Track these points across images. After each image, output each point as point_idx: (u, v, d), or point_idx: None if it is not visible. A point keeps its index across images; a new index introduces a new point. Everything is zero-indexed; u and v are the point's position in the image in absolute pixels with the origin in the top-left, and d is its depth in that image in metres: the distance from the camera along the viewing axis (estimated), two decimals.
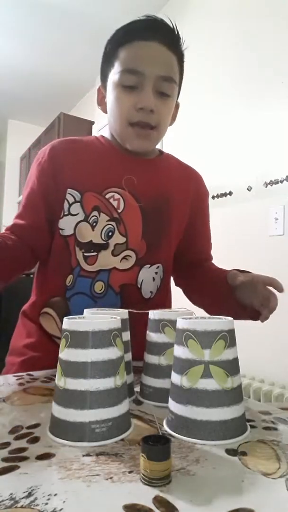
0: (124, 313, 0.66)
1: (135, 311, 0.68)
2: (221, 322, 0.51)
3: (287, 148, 1.95)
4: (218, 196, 2.33)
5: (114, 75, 0.90)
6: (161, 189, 0.99)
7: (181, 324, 0.52)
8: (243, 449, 0.47)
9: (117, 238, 0.93)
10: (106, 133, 1.03)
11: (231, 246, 2.22)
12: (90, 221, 0.92)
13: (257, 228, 2.06)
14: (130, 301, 0.94)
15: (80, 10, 3.11)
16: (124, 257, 0.94)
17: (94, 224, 0.92)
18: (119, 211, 0.93)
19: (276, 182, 1.97)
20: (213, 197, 2.36)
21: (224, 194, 2.29)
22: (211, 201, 2.34)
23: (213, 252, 2.29)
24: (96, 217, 0.92)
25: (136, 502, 0.35)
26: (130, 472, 0.41)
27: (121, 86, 0.89)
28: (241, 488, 0.38)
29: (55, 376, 0.79)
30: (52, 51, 3.70)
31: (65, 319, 0.52)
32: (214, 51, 2.47)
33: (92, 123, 4.15)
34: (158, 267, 0.99)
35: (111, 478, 0.39)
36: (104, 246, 0.93)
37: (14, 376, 0.80)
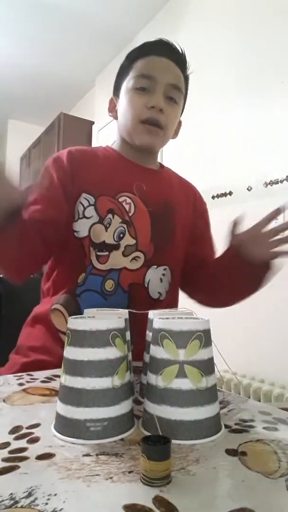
0: (124, 313, 0.66)
1: (134, 311, 0.68)
2: (197, 322, 0.51)
3: (287, 148, 1.95)
4: (218, 196, 2.33)
5: (128, 82, 1.02)
6: (166, 197, 1.07)
7: (157, 324, 0.52)
8: (243, 449, 0.47)
9: (128, 240, 0.99)
10: (114, 145, 1.13)
11: None
12: (105, 223, 0.98)
13: None
14: (137, 299, 0.98)
15: (81, 10, 3.11)
16: (133, 258, 0.99)
17: (108, 225, 0.98)
18: (130, 214, 1.00)
19: (276, 182, 1.97)
20: (213, 197, 2.36)
21: (224, 194, 2.29)
22: (211, 201, 2.36)
23: None
24: (110, 219, 0.98)
25: (136, 502, 0.35)
26: (130, 472, 0.41)
27: (135, 89, 1.00)
28: (241, 488, 0.38)
29: (55, 376, 0.79)
30: (52, 51, 3.70)
31: (69, 318, 0.53)
32: (214, 51, 2.47)
33: (92, 123, 4.15)
34: (165, 269, 1.04)
35: (111, 478, 0.39)
36: (116, 247, 0.98)
37: (14, 376, 0.80)
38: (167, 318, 0.53)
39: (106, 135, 3.82)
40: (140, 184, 1.03)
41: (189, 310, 0.66)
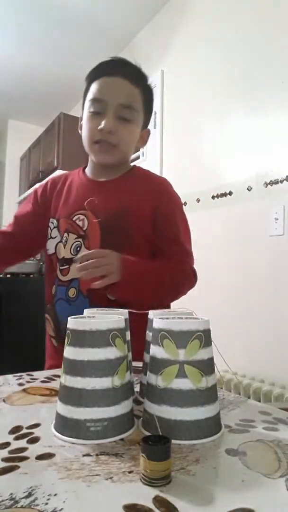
0: (124, 313, 0.66)
1: (134, 311, 0.68)
2: (197, 322, 0.51)
3: (287, 148, 1.95)
4: (218, 196, 2.33)
5: (86, 104, 1.11)
6: (120, 203, 1.11)
7: (157, 324, 0.52)
8: (243, 449, 0.47)
9: (84, 251, 1.03)
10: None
11: (231, 246, 2.22)
12: (63, 241, 1.12)
13: (257, 228, 2.06)
14: (97, 302, 1.02)
15: (81, 10, 3.10)
16: None
17: (65, 243, 1.12)
18: (84, 228, 1.09)
19: (276, 182, 1.97)
20: (213, 197, 2.36)
21: (224, 194, 2.29)
22: (211, 201, 2.35)
23: (214, 252, 2.29)
24: (66, 237, 1.12)
25: (136, 502, 0.35)
26: (130, 472, 0.41)
27: (89, 113, 1.08)
28: (241, 488, 0.38)
29: (55, 376, 0.79)
30: (52, 51, 3.70)
31: (69, 318, 0.53)
32: (214, 51, 2.47)
33: None
34: None
35: (111, 478, 0.39)
36: (72, 260, 1.08)
37: (14, 376, 0.80)
38: (167, 318, 0.53)
39: None
40: (92, 199, 1.11)
41: (189, 310, 0.66)
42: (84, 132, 1.12)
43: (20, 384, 0.74)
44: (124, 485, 0.38)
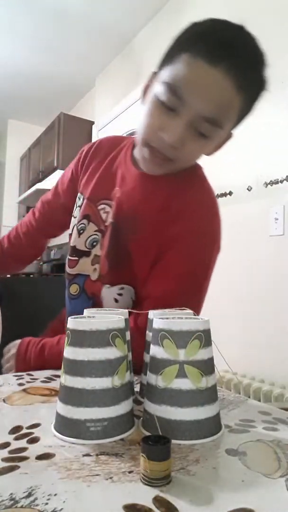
0: (124, 313, 0.66)
1: (135, 311, 0.68)
2: (197, 322, 0.51)
3: (287, 148, 1.95)
4: (218, 196, 2.33)
5: (161, 79, 0.76)
6: (136, 208, 0.89)
7: (157, 324, 0.52)
8: (243, 449, 0.47)
9: (97, 250, 0.94)
10: None
11: (231, 246, 2.22)
12: (79, 227, 0.96)
13: (257, 228, 2.06)
14: (100, 306, 0.92)
15: (80, 10, 3.10)
16: (95, 268, 0.94)
17: (82, 231, 0.95)
18: (106, 224, 0.92)
19: (276, 182, 1.97)
20: None
21: (224, 194, 2.29)
22: None
23: None
24: (84, 225, 0.95)
25: (136, 502, 0.35)
26: (130, 472, 0.41)
27: (158, 100, 0.75)
28: (241, 488, 0.38)
29: (55, 376, 0.79)
30: (52, 51, 3.70)
31: (69, 318, 0.53)
32: None
33: (92, 123, 4.15)
34: (122, 288, 0.90)
35: (111, 478, 0.39)
36: (87, 254, 0.95)
37: (14, 376, 0.80)
38: (167, 318, 0.53)
39: (106, 135, 3.81)
40: (117, 189, 0.93)
41: (189, 310, 0.66)
42: (142, 122, 0.80)
43: (20, 384, 0.74)
44: (124, 485, 0.38)
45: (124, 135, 3.50)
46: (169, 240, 0.86)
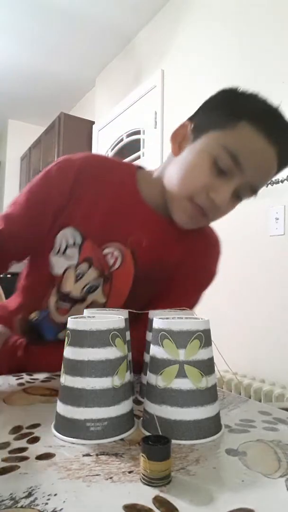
0: (124, 313, 0.66)
1: (134, 311, 0.68)
2: (197, 322, 0.51)
3: None
4: None
5: (216, 141, 0.76)
6: (165, 256, 0.89)
7: (157, 324, 0.52)
8: (243, 449, 0.47)
9: (98, 296, 0.86)
10: (142, 175, 0.91)
11: (231, 246, 2.22)
12: (77, 271, 0.85)
13: (258, 228, 2.06)
14: None
15: (81, 10, 3.11)
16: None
17: (79, 276, 0.85)
18: (113, 269, 0.85)
19: (277, 182, 1.97)
20: None
21: None
22: None
23: None
24: (84, 270, 0.85)
25: (136, 502, 0.35)
26: (130, 472, 0.41)
27: (213, 159, 0.75)
28: (241, 488, 0.38)
29: (55, 376, 0.79)
30: (52, 51, 3.71)
31: (69, 318, 0.53)
32: (214, 50, 2.47)
33: (92, 123, 4.15)
34: None
35: (111, 478, 0.39)
36: (81, 301, 0.86)
37: (14, 376, 0.80)
38: (167, 318, 0.53)
39: (106, 135, 3.82)
40: (139, 237, 0.85)
41: (189, 310, 0.66)
42: (188, 177, 0.79)
43: (20, 384, 0.74)
44: (124, 485, 0.38)
45: (124, 135, 3.51)
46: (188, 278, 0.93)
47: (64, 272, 0.85)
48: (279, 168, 0.79)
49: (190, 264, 0.92)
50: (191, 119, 0.83)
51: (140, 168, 0.94)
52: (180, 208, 0.81)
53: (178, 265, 0.91)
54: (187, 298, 0.90)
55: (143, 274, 0.87)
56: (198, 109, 0.84)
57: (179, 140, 0.83)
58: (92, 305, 0.86)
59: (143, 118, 3.23)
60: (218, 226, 2.29)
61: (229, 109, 0.78)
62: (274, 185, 1.98)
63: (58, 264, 0.85)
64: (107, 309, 0.71)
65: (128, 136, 3.49)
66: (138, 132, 3.34)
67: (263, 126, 0.73)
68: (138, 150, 3.29)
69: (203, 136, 0.78)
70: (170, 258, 0.90)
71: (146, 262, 0.87)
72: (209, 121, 0.79)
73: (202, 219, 0.82)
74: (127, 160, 3.47)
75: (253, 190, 0.79)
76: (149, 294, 0.90)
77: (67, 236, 0.84)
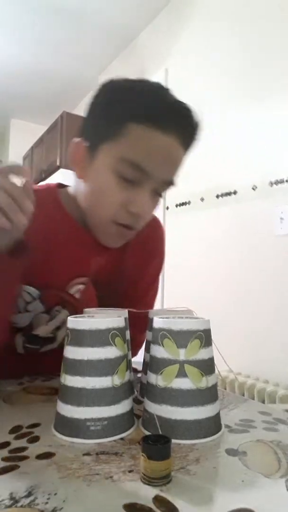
0: (124, 312, 0.66)
1: (134, 310, 0.68)
2: (197, 322, 0.51)
3: None
4: (222, 195, 2.33)
5: (113, 154, 0.71)
6: (121, 271, 0.90)
7: (157, 323, 0.52)
8: (243, 449, 0.46)
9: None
10: (65, 197, 0.84)
11: (236, 246, 2.22)
12: (51, 314, 0.82)
13: (263, 228, 2.05)
14: None
15: (83, 9, 3.10)
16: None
17: (51, 319, 0.82)
18: (79, 302, 0.83)
19: (282, 181, 1.97)
20: (217, 196, 2.36)
21: (229, 194, 2.28)
22: (215, 200, 2.35)
23: (218, 251, 2.28)
24: (57, 312, 0.82)
25: (136, 501, 0.35)
26: (130, 471, 0.41)
27: (117, 175, 0.70)
28: (241, 488, 0.38)
29: (55, 375, 0.79)
30: (55, 50, 3.71)
31: (69, 318, 0.53)
32: (217, 48, 2.46)
33: None
34: None
35: (111, 477, 0.39)
36: (51, 340, 0.84)
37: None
38: (167, 318, 0.53)
39: None
40: (96, 260, 0.84)
41: (190, 310, 0.66)
42: (102, 202, 0.74)
43: (20, 384, 0.74)
44: (124, 484, 0.38)
45: None
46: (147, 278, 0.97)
47: (31, 320, 0.81)
48: (186, 151, 0.75)
49: (139, 258, 0.92)
50: (81, 133, 0.76)
51: (60, 186, 0.87)
52: (107, 234, 0.78)
53: (130, 266, 0.91)
54: (152, 289, 0.99)
55: (108, 294, 0.88)
56: (84, 120, 0.77)
57: (78, 163, 0.76)
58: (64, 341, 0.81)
59: None
60: (222, 226, 2.29)
61: (112, 115, 0.71)
62: (279, 184, 1.98)
63: (22, 319, 0.80)
64: (107, 308, 0.71)
65: None
66: None
67: (152, 120, 0.68)
68: None
69: (99, 153, 0.72)
70: (120, 265, 0.89)
71: (105, 281, 0.87)
72: (98, 134, 0.73)
73: (130, 233, 0.79)
74: None
75: (169, 183, 0.76)
76: (115, 300, 0.87)
77: (23, 295, 0.77)
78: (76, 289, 0.82)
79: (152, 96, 0.70)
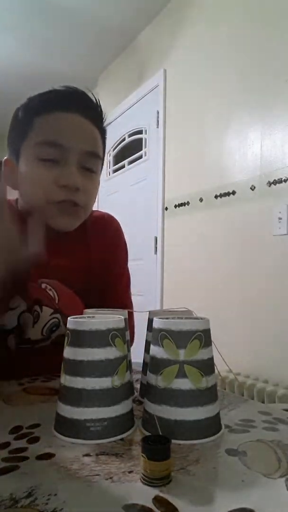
0: (124, 313, 0.66)
1: (134, 310, 0.68)
2: (197, 322, 0.51)
3: None
4: (221, 195, 2.33)
5: (29, 148, 0.78)
6: (90, 268, 0.93)
7: (157, 324, 0.52)
8: (243, 449, 0.46)
9: (62, 331, 0.83)
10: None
11: (234, 246, 2.22)
12: (34, 315, 0.81)
13: (261, 228, 2.05)
14: None
15: (83, 10, 3.11)
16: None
17: (36, 319, 0.81)
18: (57, 301, 0.83)
19: (280, 181, 1.97)
20: (216, 197, 2.36)
21: (227, 194, 2.28)
22: (214, 201, 2.35)
23: (216, 251, 2.29)
24: (38, 312, 0.81)
25: (136, 502, 0.35)
26: (130, 472, 0.41)
27: (39, 160, 0.77)
28: (241, 488, 0.38)
29: (55, 375, 0.79)
30: (54, 50, 3.71)
31: (69, 318, 0.53)
32: (217, 49, 2.47)
33: None
34: None
35: (111, 478, 0.39)
36: (45, 340, 0.83)
37: None
38: (167, 318, 0.53)
39: (108, 134, 3.81)
40: (57, 262, 0.84)
41: (189, 310, 0.66)
42: (34, 188, 0.79)
43: (20, 384, 0.74)
44: (124, 485, 0.38)
45: (126, 135, 3.50)
46: (112, 272, 0.99)
47: (19, 320, 0.81)
48: (97, 126, 0.83)
49: (103, 253, 0.96)
50: (8, 152, 0.85)
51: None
52: (50, 216, 0.79)
53: (97, 263, 0.95)
54: (124, 276, 1.03)
55: (84, 289, 0.88)
56: (7, 144, 0.86)
57: (10, 176, 0.83)
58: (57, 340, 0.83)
59: (145, 117, 3.23)
60: (221, 226, 2.30)
61: (20, 120, 0.82)
62: (277, 184, 1.98)
63: (9, 320, 0.80)
64: (106, 309, 0.71)
65: (130, 135, 3.49)
66: (140, 132, 3.34)
67: (50, 105, 0.78)
68: (140, 149, 3.30)
69: (21, 154, 0.81)
70: (90, 263, 0.93)
71: (78, 277, 0.89)
72: (16, 143, 0.82)
73: (76, 210, 0.82)
74: (129, 159, 3.47)
75: (93, 155, 0.81)
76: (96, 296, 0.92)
77: None
78: (44, 285, 0.83)
79: (46, 93, 0.83)
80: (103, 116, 0.85)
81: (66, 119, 0.78)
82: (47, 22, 3.29)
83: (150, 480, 0.38)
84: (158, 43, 3.09)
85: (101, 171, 0.89)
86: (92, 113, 0.82)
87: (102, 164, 0.89)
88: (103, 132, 0.86)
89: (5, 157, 0.85)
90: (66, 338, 0.53)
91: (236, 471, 0.41)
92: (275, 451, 0.46)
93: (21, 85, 4.37)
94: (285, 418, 0.57)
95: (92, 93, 0.86)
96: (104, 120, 0.86)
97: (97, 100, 0.84)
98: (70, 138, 0.77)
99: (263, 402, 1.76)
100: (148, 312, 0.68)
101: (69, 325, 0.52)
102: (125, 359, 0.53)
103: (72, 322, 0.52)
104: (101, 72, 4.05)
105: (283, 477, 0.40)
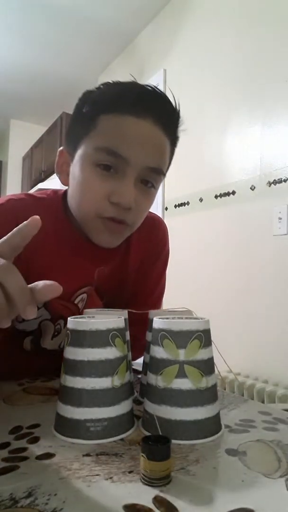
0: (124, 313, 0.67)
1: (134, 311, 0.68)
2: (197, 322, 0.51)
3: None
4: (221, 195, 2.33)
5: (88, 148, 0.70)
6: (126, 275, 0.89)
7: (157, 324, 0.52)
8: (243, 449, 0.46)
9: None
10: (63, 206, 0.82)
11: (234, 246, 2.22)
12: (56, 327, 0.81)
13: (261, 228, 2.05)
14: None
15: (83, 10, 3.10)
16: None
17: (56, 333, 0.81)
18: (80, 310, 0.82)
19: (280, 181, 1.97)
20: (216, 197, 2.36)
21: (227, 194, 2.28)
22: (214, 201, 2.35)
23: (216, 251, 2.29)
24: (60, 326, 0.81)
25: (136, 502, 0.35)
26: (130, 472, 0.41)
27: (95, 165, 0.69)
28: (241, 488, 0.38)
29: (55, 375, 0.79)
30: (54, 50, 3.71)
31: (69, 318, 0.53)
32: (216, 49, 2.46)
33: None
34: None
35: (111, 478, 0.39)
36: (59, 351, 0.82)
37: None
38: (167, 318, 0.53)
39: None
40: (102, 269, 0.82)
41: (189, 310, 0.66)
42: (84, 196, 0.72)
43: (20, 384, 0.74)
44: (124, 485, 0.38)
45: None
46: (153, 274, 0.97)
47: (40, 324, 0.80)
48: (169, 137, 0.73)
49: (143, 258, 0.93)
50: (64, 142, 0.79)
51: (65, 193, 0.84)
52: (95, 230, 0.74)
53: (134, 268, 0.91)
54: (159, 286, 0.99)
55: (113, 301, 0.88)
56: (66, 130, 0.80)
57: (63, 169, 0.78)
58: None
59: None
60: (221, 226, 2.30)
61: (84, 114, 0.72)
62: (277, 184, 1.98)
63: (29, 325, 0.79)
64: (106, 309, 0.71)
65: None
66: None
67: (120, 106, 0.68)
68: None
69: (78, 152, 0.73)
70: (125, 270, 0.89)
71: (111, 288, 0.86)
72: (76, 136, 0.74)
73: (123, 229, 0.75)
74: None
75: (156, 171, 0.72)
76: (124, 301, 0.90)
77: None
78: (80, 298, 0.82)
79: (118, 87, 0.71)
80: (179, 122, 0.75)
81: (134, 128, 0.68)
82: (47, 22, 3.29)
83: (150, 480, 0.38)
84: (158, 43, 3.09)
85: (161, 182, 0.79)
86: (167, 119, 0.72)
87: (165, 176, 0.78)
88: (174, 141, 0.76)
89: (61, 148, 0.79)
90: (66, 338, 0.53)
91: (236, 471, 0.41)
92: (275, 451, 0.46)
93: (21, 85, 4.37)
94: (285, 418, 0.57)
95: (173, 95, 0.74)
96: (179, 125, 0.76)
97: (177, 104, 0.73)
98: (134, 150, 0.68)
99: (263, 402, 1.76)
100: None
101: (69, 325, 0.52)
102: (125, 359, 0.53)
103: (72, 322, 0.52)
104: (101, 72, 4.05)
105: (283, 477, 0.40)
